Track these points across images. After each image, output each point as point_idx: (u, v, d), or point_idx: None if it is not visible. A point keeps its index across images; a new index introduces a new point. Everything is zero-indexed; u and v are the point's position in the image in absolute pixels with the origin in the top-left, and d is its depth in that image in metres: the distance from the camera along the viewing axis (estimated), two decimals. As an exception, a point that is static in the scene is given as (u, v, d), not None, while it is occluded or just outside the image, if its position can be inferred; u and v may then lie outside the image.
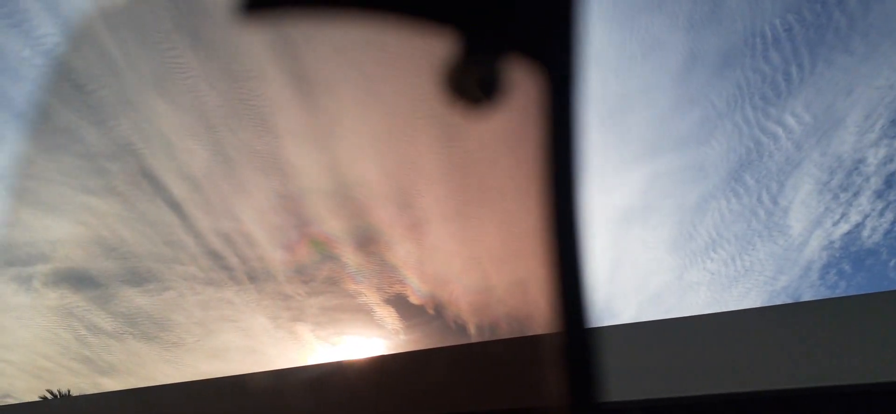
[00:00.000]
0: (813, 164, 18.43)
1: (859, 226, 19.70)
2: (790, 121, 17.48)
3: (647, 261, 23.63)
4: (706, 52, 16.97)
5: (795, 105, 17.45)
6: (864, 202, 19.03)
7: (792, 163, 18.66)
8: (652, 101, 18.74)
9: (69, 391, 22.27)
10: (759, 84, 17.23)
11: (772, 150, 18.39)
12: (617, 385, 2.82)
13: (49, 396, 21.62)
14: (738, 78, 17.38)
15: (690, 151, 19.88)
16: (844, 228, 19.70)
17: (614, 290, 24.59)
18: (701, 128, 19.05)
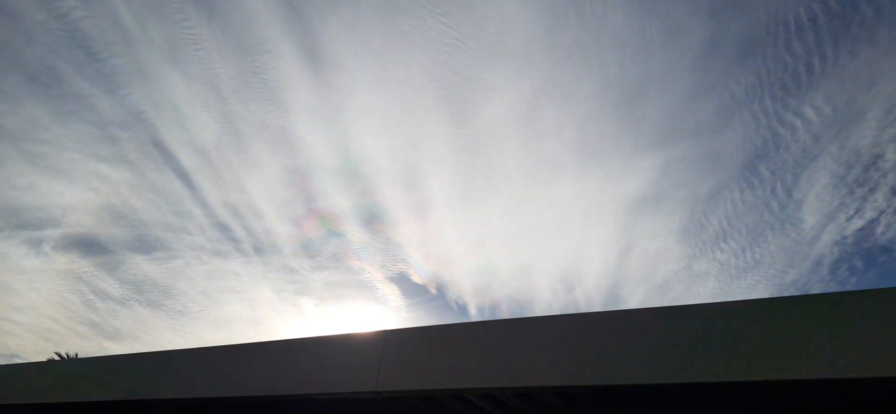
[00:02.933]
0: (830, 157, 18.24)
1: (874, 222, 19.52)
2: (809, 112, 17.28)
3: (657, 249, 23.59)
4: (727, 39, 16.76)
5: (816, 96, 17.26)
6: (880, 198, 18.84)
7: (809, 155, 18.48)
8: (669, 87, 18.57)
9: (76, 354, 22.59)
10: (779, 74, 17.02)
11: (789, 141, 18.22)
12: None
13: (57, 358, 21.99)
14: (758, 67, 17.17)
15: (706, 140, 19.74)
16: (858, 223, 19.53)
17: (622, 277, 24.59)
18: (718, 116, 18.89)
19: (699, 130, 19.51)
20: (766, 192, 19.85)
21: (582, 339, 3.13)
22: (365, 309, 25.81)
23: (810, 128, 17.67)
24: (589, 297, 24.64)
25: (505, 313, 25.45)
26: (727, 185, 20.42)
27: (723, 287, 22.64)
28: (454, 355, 3.49)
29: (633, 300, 24.37)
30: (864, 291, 2.58)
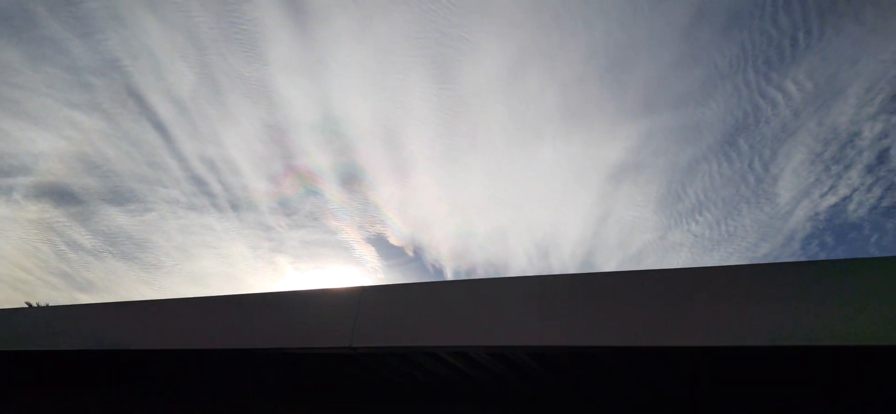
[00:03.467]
0: (808, 133, 18.45)
1: (847, 199, 19.88)
2: (791, 87, 17.40)
3: (633, 218, 23.83)
4: (714, 9, 16.73)
5: (798, 72, 17.37)
6: (855, 176, 19.16)
7: (788, 131, 18.67)
8: (655, 55, 18.54)
9: (47, 305, 22.39)
10: (764, 47, 17.08)
11: (769, 115, 18.36)
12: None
13: (29, 306, 21.74)
14: (743, 39, 17.20)
15: (688, 111, 19.82)
16: (832, 200, 19.87)
17: (598, 245, 24.84)
18: (701, 88, 18.96)
19: (682, 100, 19.60)
20: (744, 165, 20.09)
21: (555, 300, 3.15)
22: (341, 269, 25.90)
23: (791, 103, 17.83)
24: (564, 263, 24.91)
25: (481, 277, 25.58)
26: (706, 156, 20.62)
27: (696, 259, 23.00)
28: (430, 313, 3.50)
29: (608, 268, 24.78)
30: (833, 261, 2.62)
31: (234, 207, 24.35)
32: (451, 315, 3.41)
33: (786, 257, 22.24)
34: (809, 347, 2.50)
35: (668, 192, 22.33)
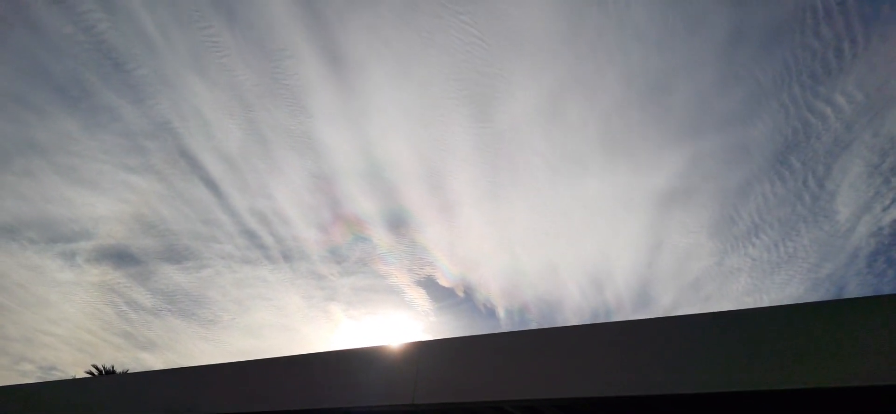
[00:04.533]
0: (863, 145, 17.68)
1: (912, 212, 18.93)
2: (840, 100, 16.76)
3: (687, 245, 23.12)
4: (753, 27, 16.33)
5: (846, 83, 16.75)
6: (917, 186, 18.27)
7: (841, 144, 17.93)
8: (695, 77, 18.20)
9: (113, 367, 23.02)
10: (808, 61, 16.55)
11: (819, 130, 17.70)
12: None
13: (94, 370, 22.44)
14: (785, 55, 16.71)
15: (734, 131, 19.30)
16: (895, 213, 18.94)
17: (653, 275, 24.18)
18: (745, 107, 18.45)
19: (727, 121, 19.17)
20: (798, 183, 19.40)
21: (618, 348, 3.06)
22: (393, 314, 25.93)
23: (842, 116, 17.21)
24: (619, 296, 24.35)
25: (534, 316, 25.28)
26: (757, 177, 20.03)
27: (756, 283, 22.21)
28: (491, 366, 3.45)
29: (665, 299, 24.06)
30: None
31: (287, 257, 24.81)
32: (516, 367, 3.35)
33: (851, 276, 21.26)
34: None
35: (721, 216, 21.74)
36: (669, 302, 23.58)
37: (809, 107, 17.55)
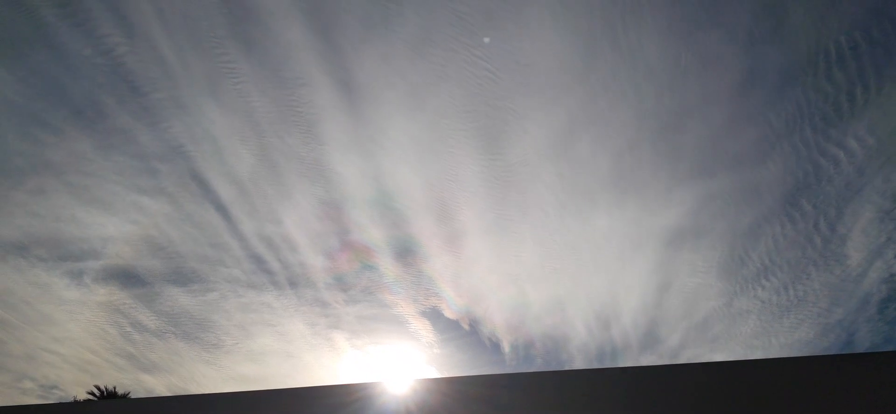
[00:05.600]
0: (875, 190, 17.54)
1: (924, 259, 18.66)
2: (852, 144, 16.69)
3: (696, 286, 22.87)
4: (765, 68, 16.37)
5: (859, 127, 16.68)
6: (929, 234, 18.05)
7: (852, 188, 17.80)
8: (707, 118, 18.22)
9: (115, 389, 22.88)
10: (820, 104, 16.54)
11: (831, 174, 17.60)
12: None
13: (96, 391, 22.27)
14: (798, 97, 16.71)
15: (745, 172, 19.24)
16: (908, 260, 18.67)
17: (661, 314, 23.89)
18: (757, 148, 18.42)
19: (738, 162, 19.12)
20: (809, 226, 19.22)
21: (623, 391, 2.98)
22: (397, 345, 25.63)
23: (854, 160, 17.12)
24: (626, 335, 24.02)
25: (539, 351, 24.91)
26: (768, 219, 19.88)
27: (765, 326, 21.88)
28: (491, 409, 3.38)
29: (672, 340, 23.71)
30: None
31: (292, 283, 24.71)
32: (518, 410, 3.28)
33: (862, 322, 20.90)
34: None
35: (730, 257, 21.51)
36: (676, 342, 23.25)
37: (821, 150, 17.49)
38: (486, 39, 16.67)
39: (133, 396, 22.97)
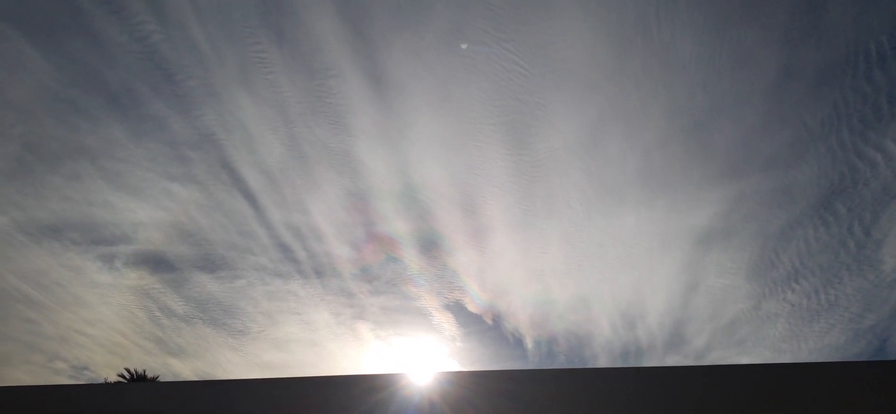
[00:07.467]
0: (912, 195, 17.07)
1: (960, 266, 18.07)
2: (891, 147, 16.17)
3: (724, 287, 22.46)
4: (802, 68, 15.95)
5: (898, 130, 16.24)
6: (967, 240, 17.45)
7: (890, 193, 17.28)
8: (740, 117, 17.82)
9: (144, 372, 23.36)
10: (858, 105, 16.07)
11: (868, 177, 17.10)
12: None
13: (126, 374, 22.78)
14: (835, 98, 16.25)
15: (778, 174, 18.79)
16: (943, 267, 18.11)
17: (687, 315, 23.54)
18: (791, 149, 17.98)
19: (771, 163, 18.73)
20: (843, 230, 18.75)
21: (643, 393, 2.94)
22: (420, 337, 25.71)
23: (892, 163, 16.63)
24: (652, 335, 23.72)
25: (563, 349, 24.74)
26: (800, 221, 19.45)
27: (794, 330, 21.43)
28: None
29: (699, 341, 23.37)
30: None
31: (318, 273, 24.95)
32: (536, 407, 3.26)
33: (895, 329, 20.34)
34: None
35: (760, 259, 21.11)
36: (703, 343, 22.92)
37: (858, 152, 17.05)
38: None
39: (161, 379, 23.45)
